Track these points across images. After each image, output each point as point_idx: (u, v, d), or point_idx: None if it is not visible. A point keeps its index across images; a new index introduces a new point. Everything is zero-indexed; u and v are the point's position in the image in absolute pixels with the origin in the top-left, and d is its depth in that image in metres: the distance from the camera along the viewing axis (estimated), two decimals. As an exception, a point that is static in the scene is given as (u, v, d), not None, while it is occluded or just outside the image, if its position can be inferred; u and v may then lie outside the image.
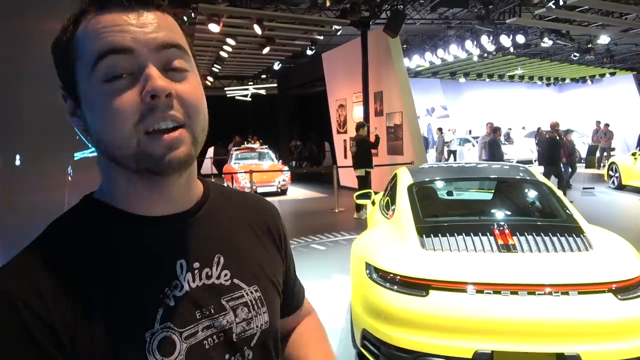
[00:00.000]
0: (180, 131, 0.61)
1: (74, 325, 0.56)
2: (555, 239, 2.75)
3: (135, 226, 0.64)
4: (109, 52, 0.58)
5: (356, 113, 12.22)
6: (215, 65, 14.43)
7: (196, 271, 0.66)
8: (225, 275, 0.70)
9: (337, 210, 9.31)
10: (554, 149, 9.13)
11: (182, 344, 0.62)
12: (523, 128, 19.69)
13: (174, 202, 0.67)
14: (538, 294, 2.36)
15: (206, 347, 0.64)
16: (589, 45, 13.23)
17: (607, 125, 15.11)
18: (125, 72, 0.58)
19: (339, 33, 11.18)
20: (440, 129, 15.42)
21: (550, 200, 3.40)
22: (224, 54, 12.32)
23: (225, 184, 4.75)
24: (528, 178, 3.75)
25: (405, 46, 13.33)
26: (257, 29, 9.41)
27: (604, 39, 12.38)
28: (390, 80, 10.85)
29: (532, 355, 2.29)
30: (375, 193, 5.02)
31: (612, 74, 19.29)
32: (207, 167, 18.40)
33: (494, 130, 10.23)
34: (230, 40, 10.75)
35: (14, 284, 0.56)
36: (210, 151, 18.94)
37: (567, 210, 3.17)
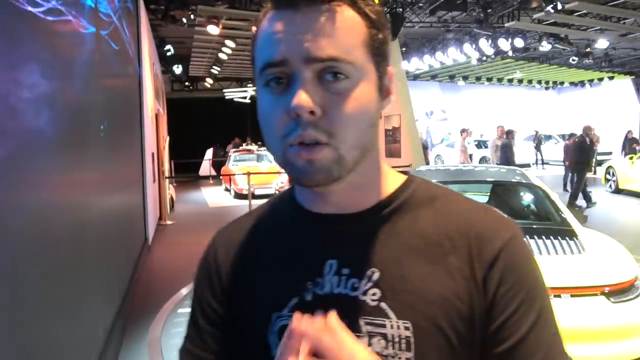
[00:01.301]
0: (321, 150, 0.56)
1: (232, 281, 0.68)
2: (549, 242, 2.76)
3: (301, 217, 0.66)
4: (267, 65, 0.57)
5: (355, 115, 12.23)
6: (214, 67, 14.45)
7: (343, 277, 0.61)
8: (374, 294, 0.59)
9: (334, 213, 9.31)
10: (582, 152, 9.18)
11: None
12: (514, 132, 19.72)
13: (336, 205, 0.63)
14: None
15: None
16: (587, 50, 13.27)
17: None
18: (280, 80, 0.57)
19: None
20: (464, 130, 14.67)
21: (545, 204, 3.40)
22: (223, 56, 12.34)
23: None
24: (524, 181, 3.76)
25: (404, 49, 13.36)
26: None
27: (602, 43, 12.41)
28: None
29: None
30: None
31: (611, 78, 19.35)
32: (206, 168, 18.41)
33: (507, 133, 10.22)
34: (229, 42, 10.78)
35: (220, 234, 0.77)
36: (209, 152, 18.95)
37: (562, 214, 3.18)
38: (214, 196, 13.30)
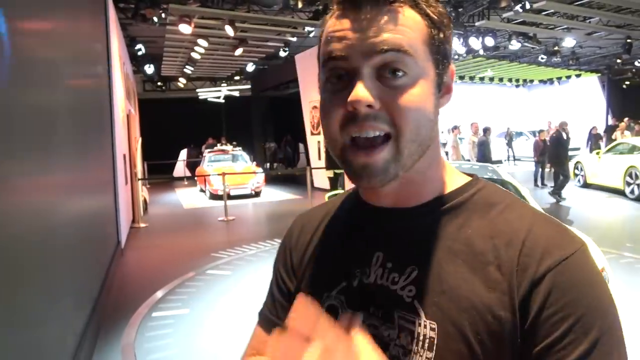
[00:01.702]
0: (380, 150, 0.58)
1: (300, 260, 0.76)
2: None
3: (359, 208, 0.71)
4: (330, 59, 0.60)
5: (330, 114, 12.24)
6: (187, 66, 14.26)
7: (386, 270, 0.64)
8: (410, 291, 0.61)
9: (311, 212, 9.30)
10: (561, 147, 9.56)
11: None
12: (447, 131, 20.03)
13: (390, 199, 0.65)
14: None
15: None
16: (555, 48, 13.60)
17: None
18: (341, 74, 0.60)
19: (311, 35, 11.19)
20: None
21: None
22: (196, 56, 12.18)
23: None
24: (495, 178, 3.82)
25: (377, 48, 13.44)
26: (229, 30, 9.34)
27: (569, 42, 12.75)
28: (363, 81, 10.91)
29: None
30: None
31: (578, 75, 19.89)
32: (180, 169, 18.16)
33: (484, 131, 10.38)
34: (202, 42, 10.64)
35: (298, 218, 0.83)
36: (183, 153, 18.70)
37: (532, 208, 3.24)
38: (188, 197, 13.13)
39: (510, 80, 22.02)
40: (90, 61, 4.70)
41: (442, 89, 0.63)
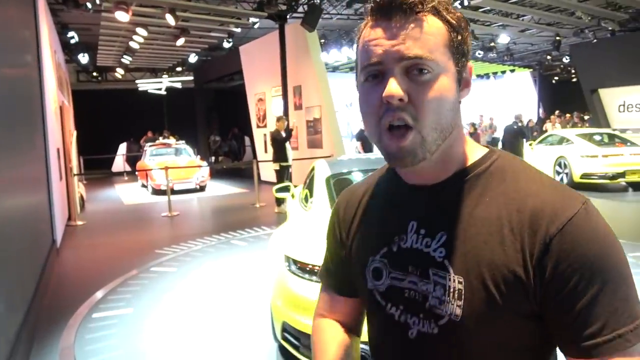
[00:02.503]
0: (408, 135, 0.70)
1: (348, 231, 0.91)
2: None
3: (397, 185, 0.83)
4: (368, 65, 0.72)
5: (275, 107, 12.17)
6: (125, 56, 13.63)
7: (420, 236, 0.77)
8: (440, 252, 0.74)
9: (258, 205, 9.23)
10: (518, 137, 10.33)
11: (387, 280, 0.81)
12: None
13: (422, 177, 0.78)
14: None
15: (405, 295, 0.78)
16: (491, 44, 14.23)
17: (491, 118, 16.54)
18: (377, 76, 0.72)
19: (256, 26, 11.04)
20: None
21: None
22: (134, 45, 11.67)
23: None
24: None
25: (322, 41, 13.47)
26: (170, 19, 9.02)
27: (504, 39, 13.37)
28: (309, 74, 10.92)
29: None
30: (295, 186, 5.03)
31: (512, 70, 20.94)
32: (120, 164, 17.41)
33: None
34: (140, 30, 10.21)
35: (343, 194, 0.97)
36: (123, 147, 17.93)
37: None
38: (129, 193, 12.62)
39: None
40: (17, 49, 4.38)
41: (462, 84, 0.75)
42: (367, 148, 11.17)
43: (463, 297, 0.71)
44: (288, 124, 9.05)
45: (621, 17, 11.77)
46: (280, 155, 8.49)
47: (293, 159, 9.03)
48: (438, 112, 0.70)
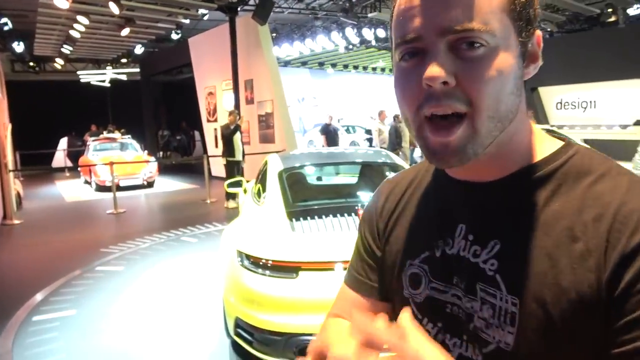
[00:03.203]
0: (457, 128, 0.56)
1: (385, 226, 0.77)
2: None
3: (443, 180, 0.69)
4: (402, 42, 0.58)
5: (227, 101, 11.97)
6: (65, 45, 12.94)
7: (468, 243, 0.64)
8: (492, 264, 0.60)
9: (208, 201, 9.06)
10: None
11: (426, 289, 0.68)
12: (372, 118, 21.13)
13: (473, 173, 0.64)
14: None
15: (446, 311, 0.65)
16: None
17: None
18: (415, 54, 0.57)
19: (205, 18, 10.79)
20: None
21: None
22: (75, 34, 11.10)
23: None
24: (389, 162, 4.03)
25: (274, 34, 13.37)
26: (114, 8, 8.64)
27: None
28: (260, 68, 10.81)
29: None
30: (248, 181, 4.98)
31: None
32: (60, 159, 16.57)
33: (394, 118, 10.69)
34: (82, 19, 9.71)
35: (385, 184, 0.82)
36: (63, 142, 17.06)
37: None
38: (71, 190, 12.04)
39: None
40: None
41: (527, 59, 0.59)
42: (330, 143, 11.06)
43: (517, 322, 0.57)
44: (241, 118, 8.85)
45: (559, 19, 12.45)
46: (227, 149, 8.33)
47: (245, 154, 8.91)
48: (496, 96, 0.55)
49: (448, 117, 0.56)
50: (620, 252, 0.52)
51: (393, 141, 10.19)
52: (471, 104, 0.55)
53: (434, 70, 0.54)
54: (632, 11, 11.77)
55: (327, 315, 0.82)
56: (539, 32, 0.60)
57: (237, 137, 8.35)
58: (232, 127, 8.33)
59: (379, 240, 0.78)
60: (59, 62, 15.63)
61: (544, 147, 0.63)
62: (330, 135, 11.40)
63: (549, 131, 0.66)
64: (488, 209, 0.63)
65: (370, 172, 4.21)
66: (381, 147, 10.56)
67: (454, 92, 0.55)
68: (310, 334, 2.47)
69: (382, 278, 0.77)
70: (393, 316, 0.69)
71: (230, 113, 8.60)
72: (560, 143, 0.63)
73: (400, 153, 10.26)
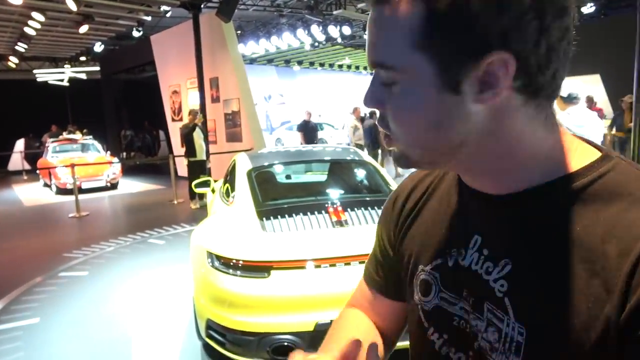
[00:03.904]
0: (391, 142, 0.57)
1: (400, 226, 0.74)
2: (380, 211, 3.04)
3: (460, 187, 0.66)
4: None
5: (191, 100, 11.77)
6: (20, 43, 12.41)
7: (482, 257, 0.59)
8: (502, 285, 0.55)
9: (175, 202, 8.90)
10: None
11: (435, 298, 0.65)
12: (350, 114, 21.26)
13: (487, 183, 0.58)
14: (368, 263, 2.59)
15: (453, 323, 0.63)
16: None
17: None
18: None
19: (168, 15, 10.55)
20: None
21: (376, 178, 3.73)
22: (30, 31, 10.65)
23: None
24: (357, 159, 4.06)
25: (239, 32, 13.22)
26: (71, 4, 8.33)
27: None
28: (226, 66, 10.68)
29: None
30: (215, 181, 4.92)
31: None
32: (17, 162, 15.92)
33: (371, 114, 10.67)
34: (37, 15, 9.33)
35: (404, 181, 0.79)
36: (20, 144, 16.39)
37: (389, 186, 3.52)
38: (30, 194, 11.58)
39: (365, 68, 23.48)
40: None
41: (473, 86, 0.50)
42: (308, 139, 10.75)
43: (522, 353, 0.53)
44: (203, 117, 8.58)
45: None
46: (187, 149, 8.18)
47: (211, 153, 8.76)
48: (410, 132, 0.54)
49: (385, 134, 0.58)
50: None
51: (373, 140, 10.16)
52: (391, 133, 0.56)
53: (365, 94, 0.56)
54: (585, 9, 12.27)
55: (346, 304, 0.86)
56: (502, 56, 0.48)
57: (196, 136, 8.11)
58: (190, 126, 8.16)
59: (393, 240, 0.76)
60: (12, 61, 14.97)
61: (575, 159, 0.55)
62: (308, 132, 10.92)
63: (587, 141, 0.58)
64: (503, 224, 0.57)
65: (339, 170, 4.24)
66: (356, 144, 10.62)
67: (383, 116, 0.56)
68: (283, 333, 2.47)
69: (397, 278, 0.75)
70: (405, 314, 0.76)
71: (190, 112, 8.44)
72: (597, 155, 0.55)
73: (380, 152, 10.33)
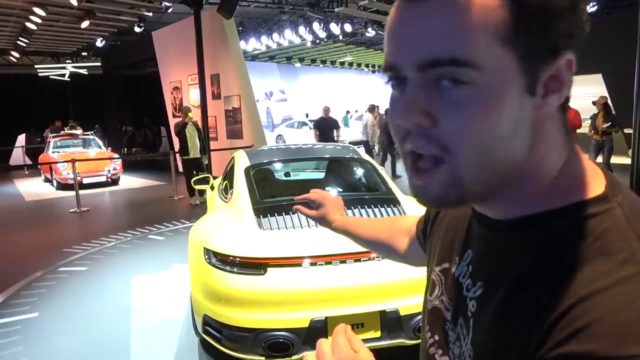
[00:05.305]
0: (436, 171, 0.48)
1: (429, 224, 0.79)
2: (377, 210, 3.06)
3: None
4: (384, 68, 0.51)
5: (192, 96, 11.78)
6: (21, 38, 12.42)
7: (468, 272, 0.60)
8: (473, 305, 0.55)
9: (176, 198, 8.92)
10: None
11: (436, 299, 0.67)
12: (356, 111, 21.28)
13: (484, 207, 0.56)
14: (363, 261, 2.61)
15: (445, 328, 0.63)
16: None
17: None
18: (400, 82, 0.49)
19: (169, 10, 10.55)
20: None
21: (374, 176, 3.75)
22: (31, 26, 10.67)
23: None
24: (356, 157, 4.07)
25: (240, 29, 13.22)
26: None
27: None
28: (227, 62, 10.68)
29: (360, 315, 2.53)
30: (215, 178, 4.94)
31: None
32: (19, 157, 15.97)
33: (386, 112, 10.65)
34: (38, 10, 9.34)
35: None
36: (21, 139, 16.44)
37: (387, 185, 3.54)
38: (31, 188, 11.63)
39: (367, 65, 23.43)
40: None
41: (544, 89, 0.46)
42: (323, 138, 9.93)
43: None
44: (188, 116, 8.36)
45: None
46: (181, 147, 8.18)
47: (212, 150, 8.76)
48: (481, 144, 0.46)
49: (426, 156, 0.48)
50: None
51: (389, 135, 10.06)
52: (448, 149, 0.46)
53: (406, 108, 0.47)
54: (588, 8, 12.21)
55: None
56: (569, 57, 0.46)
57: (189, 133, 8.08)
58: (181, 124, 8.15)
59: (427, 236, 0.81)
60: (14, 55, 14.98)
61: (576, 191, 0.49)
62: (322, 130, 9.93)
63: (597, 164, 0.53)
64: (490, 247, 0.56)
65: (337, 168, 4.25)
66: (378, 145, 10.46)
67: (432, 132, 0.47)
68: (279, 329, 2.50)
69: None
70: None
71: (181, 110, 8.42)
72: (601, 189, 0.49)
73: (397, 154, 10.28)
